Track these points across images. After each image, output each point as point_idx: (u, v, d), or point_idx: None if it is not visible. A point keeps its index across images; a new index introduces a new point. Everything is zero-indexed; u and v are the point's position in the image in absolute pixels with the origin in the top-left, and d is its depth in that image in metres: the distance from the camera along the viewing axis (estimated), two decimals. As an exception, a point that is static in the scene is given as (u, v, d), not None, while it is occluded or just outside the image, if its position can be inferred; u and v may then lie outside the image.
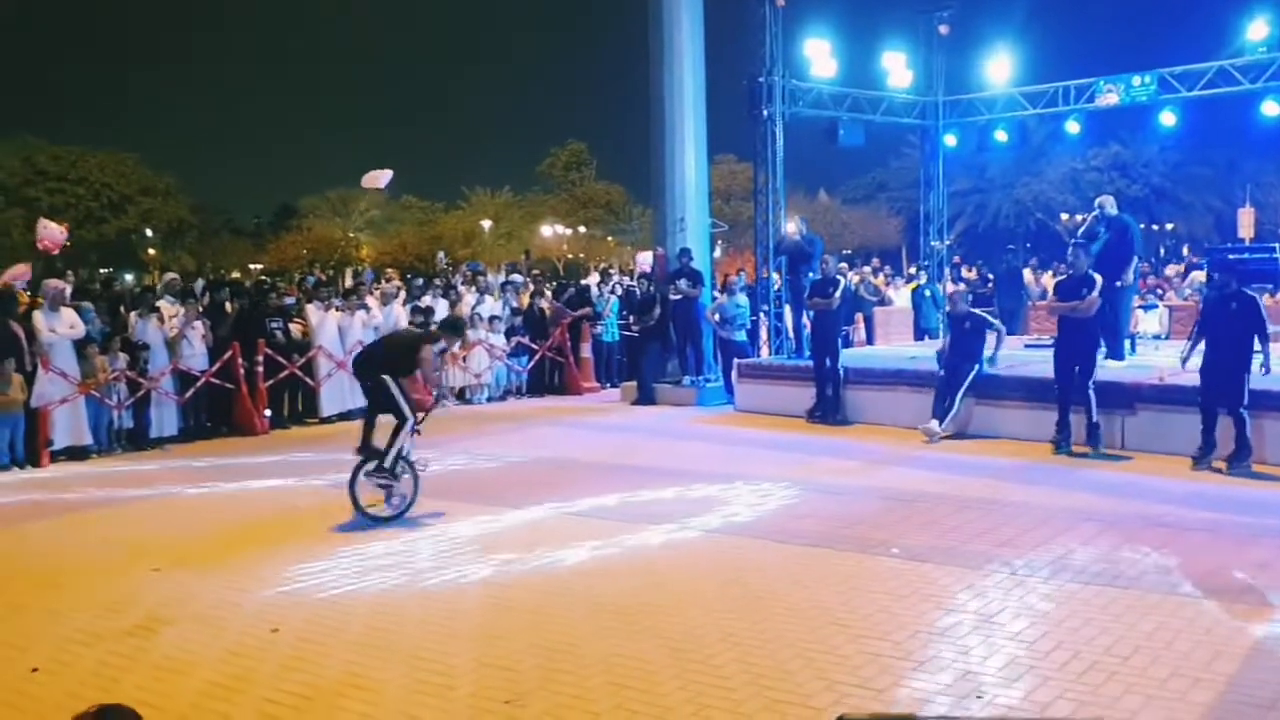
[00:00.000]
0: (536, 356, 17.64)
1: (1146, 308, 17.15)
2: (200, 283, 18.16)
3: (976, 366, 12.36)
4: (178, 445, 13.32)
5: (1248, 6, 15.96)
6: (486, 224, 60.66)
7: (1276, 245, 13.81)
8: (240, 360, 13.95)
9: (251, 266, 60.26)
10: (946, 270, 20.31)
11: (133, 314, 13.77)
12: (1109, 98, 16.98)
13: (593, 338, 18.51)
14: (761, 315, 16.98)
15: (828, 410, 13.74)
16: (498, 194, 63.36)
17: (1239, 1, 16.48)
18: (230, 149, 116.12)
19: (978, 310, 13.36)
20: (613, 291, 19.71)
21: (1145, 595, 6.42)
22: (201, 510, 9.76)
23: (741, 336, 16.56)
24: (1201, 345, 10.45)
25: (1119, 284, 13.05)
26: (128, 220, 57.87)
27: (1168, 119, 16.78)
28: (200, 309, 14.19)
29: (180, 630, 6.28)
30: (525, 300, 18.68)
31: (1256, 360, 10.11)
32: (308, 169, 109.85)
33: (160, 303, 14.19)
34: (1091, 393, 11.10)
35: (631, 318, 18.21)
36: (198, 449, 13.09)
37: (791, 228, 16.37)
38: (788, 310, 16.28)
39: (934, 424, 12.23)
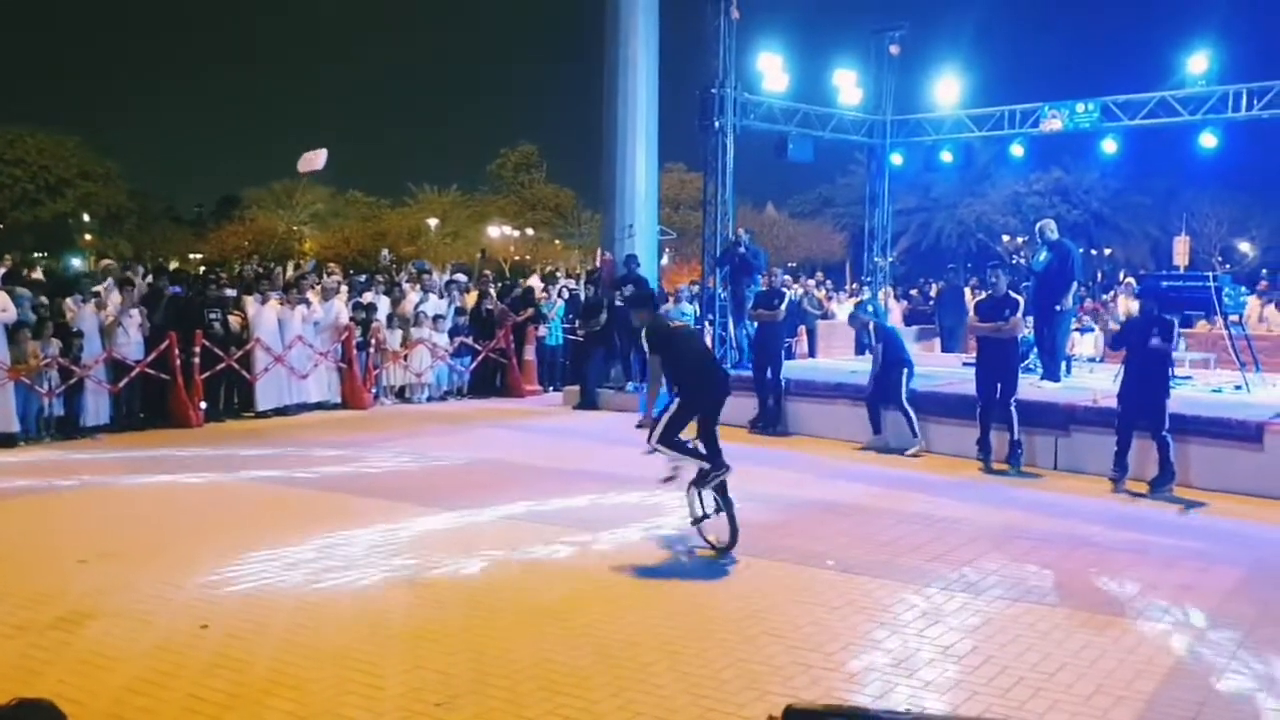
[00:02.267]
0: (479, 357, 17.55)
1: (1083, 330, 17.49)
2: (140, 269, 17.83)
3: (906, 369, 12.53)
4: (109, 435, 13.07)
5: (1189, 40, 16.37)
6: (433, 222, 60.18)
7: (1209, 274, 14.10)
8: (177, 351, 13.72)
9: (191, 256, 59.28)
10: (883, 288, 20.53)
11: (68, 299, 13.49)
12: (1053, 123, 17.30)
13: (537, 340, 18.47)
14: (706, 324, 17.05)
15: (769, 421, 13.85)
16: (445, 193, 62.91)
17: (1181, 35, 16.90)
18: (176, 137, 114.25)
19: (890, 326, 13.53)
20: (559, 295, 19.68)
21: (1072, 613, 6.54)
22: (131, 502, 9.59)
23: (686, 344, 16.58)
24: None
25: (1058, 308, 13.29)
26: (65, 204, 56.59)
27: (1109, 146, 17.13)
28: (137, 299, 13.93)
29: (106, 624, 6.16)
30: (470, 300, 18.58)
31: (1184, 386, 10.34)
32: (252, 160, 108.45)
33: (99, 288, 13.95)
34: (1013, 411, 11.29)
35: (577, 322, 18.20)
36: (129, 440, 12.85)
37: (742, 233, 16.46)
38: (732, 320, 16.37)
39: (873, 438, 12.40)
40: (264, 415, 14.73)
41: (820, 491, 10.32)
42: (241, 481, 10.38)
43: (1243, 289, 15.75)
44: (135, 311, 13.54)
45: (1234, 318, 13.98)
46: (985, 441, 11.49)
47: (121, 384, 13.34)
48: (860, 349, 18.88)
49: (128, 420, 13.54)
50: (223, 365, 14.29)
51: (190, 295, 15.07)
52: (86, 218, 58.23)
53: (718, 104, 16.26)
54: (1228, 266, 46.69)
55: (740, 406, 14.18)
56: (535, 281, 22.43)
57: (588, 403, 16.27)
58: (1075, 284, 13.60)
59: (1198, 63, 15.99)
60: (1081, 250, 16.42)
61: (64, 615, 6.29)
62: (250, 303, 15.08)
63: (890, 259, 21.21)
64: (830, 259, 55.50)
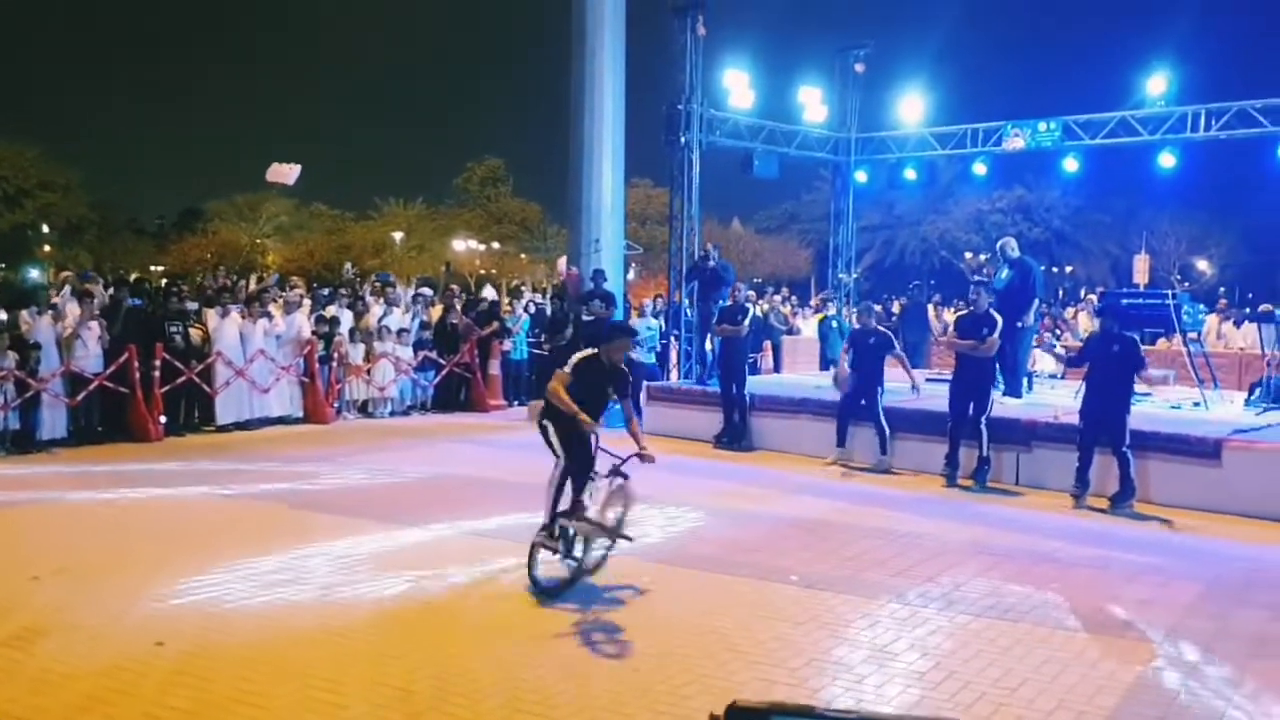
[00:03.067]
0: (444, 372, 17.46)
1: (1044, 347, 17.64)
2: (98, 279, 17.63)
3: (879, 388, 12.55)
4: (66, 449, 12.86)
5: (1148, 61, 16.63)
6: (398, 235, 59.94)
7: (1169, 292, 14.30)
8: (136, 364, 13.54)
9: (153, 268, 58.68)
10: (846, 306, 20.66)
11: (25, 311, 13.29)
12: (1015, 142, 17.49)
13: (501, 355, 18.40)
14: (673, 339, 17.06)
15: (734, 436, 13.86)
16: (410, 206, 62.71)
17: (1140, 56, 17.17)
18: (140, 149, 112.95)
19: (883, 328, 13.48)
20: (525, 309, 19.64)
21: (1034, 629, 6.57)
22: (87, 517, 9.44)
23: (651, 359, 16.62)
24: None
25: (1020, 324, 13.40)
26: (23, 214, 55.84)
27: (1070, 165, 17.34)
28: (96, 310, 13.73)
29: (59, 641, 6.05)
30: (435, 314, 18.49)
31: (1144, 402, 10.45)
32: (217, 173, 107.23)
33: (57, 299, 13.77)
34: (984, 429, 11.36)
35: (543, 337, 18.15)
36: (87, 454, 12.66)
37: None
38: (698, 335, 16.40)
39: (837, 451, 12.40)
40: (225, 429, 14.56)
41: (785, 506, 10.33)
42: (201, 497, 10.25)
43: (1201, 307, 15.98)
44: (94, 324, 13.34)
45: (1193, 335, 14.18)
46: (954, 457, 11.54)
47: (79, 397, 13.15)
48: (825, 364, 18.97)
49: (85, 434, 13.33)
50: (183, 379, 14.12)
51: (151, 308, 14.88)
52: (46, 229, 57.48)
53: (684, 120, 16.33)
54: (1186, 285, 47.39)
55: (705, 421, 14.23)
56: (489, 291, 22.28)
57: (552, 417, 16.19)
58: (1036, 301, 13.73)
59: (1157, 84, 16.24)
60: (1043, 268, 16.62)
61: (16, 632, 6.18)
62: (211, 316, 14.93)
63: (854, 275, 21.35)
64: (796, 275, 55.76)
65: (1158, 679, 5.82)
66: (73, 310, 13.57)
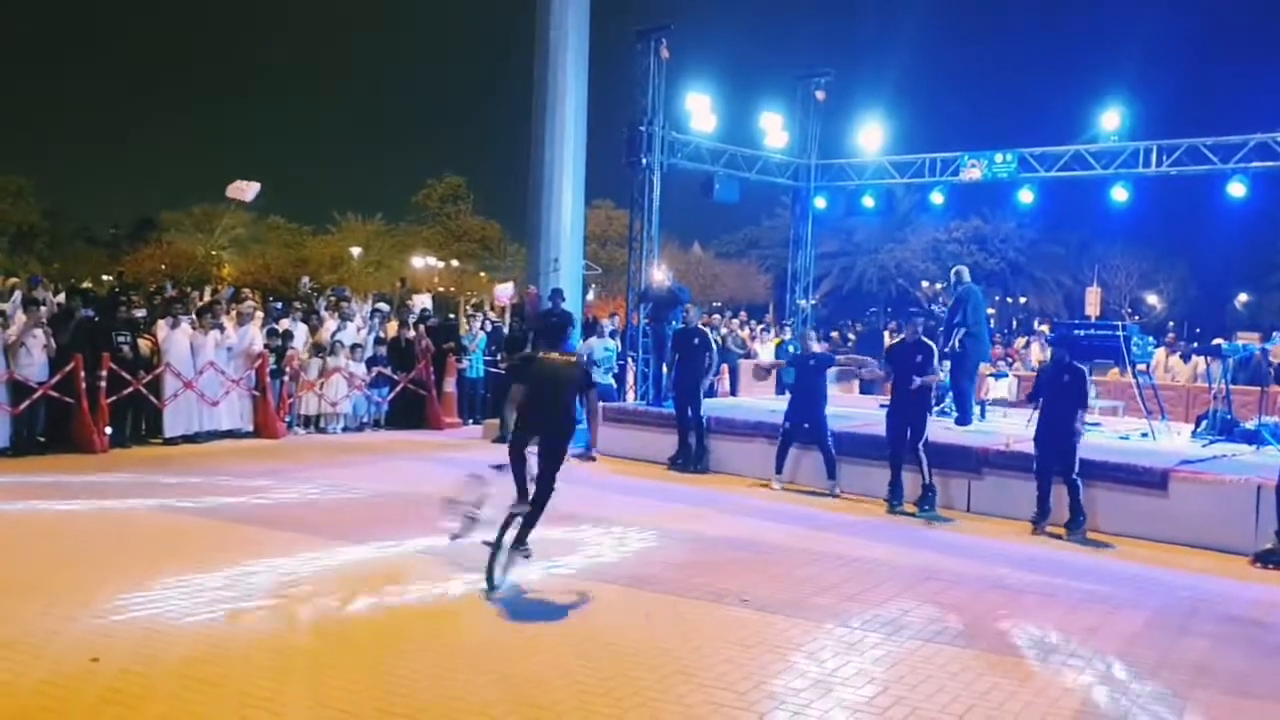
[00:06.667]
0: (398, 388, 17.31)
1: (997, 375, 17.81)
2: (37, 283, 17.32)
3: (824, 411, 12.55)
4: (7, 459, 12.59)
5: (1103, 97, 16.93)
6: (356, 251, 59.55)
7: (1119, 324, 14.49)
8: (82, 374, 13.29)
9: (104, 278, 57.83)
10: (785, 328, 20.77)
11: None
12: (972, 172, 17.71)
13: (458, 372, 18.29)
14: (630, 360, 17.05)
15: (689, 458, 13.83)
16: (369, 221, 62.37)
17: (1096, 91, 17.48)
18: (95, 157, 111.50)
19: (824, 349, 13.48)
20: (481, 327, 19.55)
21: (982, 654, 6.58)
22: (25, 529, 9.21)
23: (607, 380, 16.58)
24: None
25: (945, 349, 13.48)
26: (-31, 222, 54.97)
27: (1026, 196, 17.57)
28: (43, 318, 13.47)
29: (-10, 656, 5.89)
30: (392, 330, 18.34)
31: (1094, 432, 10.57)
32: (174, 184, 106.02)
33: (4, 306, 13.52)
34: (924, 455, 11.41)
35: (500, 355, 18.07)
36: (28, 464, 12.40)
37: (659, 276, 16.53)
38: (654, 357, 16.40)
39: (777, 477, 12.48)
40: (172, 442, 14.33)
41: (736, 529, 10.30)
42: (144, 510, 10.06)
43: (1150, 340, 16.21)
44: (39, 331, 13.10)
45: (1141, 367, 14.36)
46: (897, 485, 11.58)
47: (22, 406, 12.89)
48: (781, 389, 19.03)
49: (28, 445, 13.06)
50: (130, 389, 13.89)
51: (97, 317, 14.62)
52: (-6, 237, 56.56)
53: (645, 141, 16.38)
54: (1136, 318, 48.13)
55: (661, 443, 14.20)
56: (422, 299, 22.11)
57: (507, 436, 16.08)
58: (959, 328, 13.72)
59: (1111, 119, 16.53)
60: (997, 298, 16.83)
61: (-54, 646, 6.01)
62: (161, 326, 14.70)
63: (813, 301, 21.47)
64: (755, 299, 56.08)
65: (1103, 706, 5.84)
66: (19, 317, 13.34)
